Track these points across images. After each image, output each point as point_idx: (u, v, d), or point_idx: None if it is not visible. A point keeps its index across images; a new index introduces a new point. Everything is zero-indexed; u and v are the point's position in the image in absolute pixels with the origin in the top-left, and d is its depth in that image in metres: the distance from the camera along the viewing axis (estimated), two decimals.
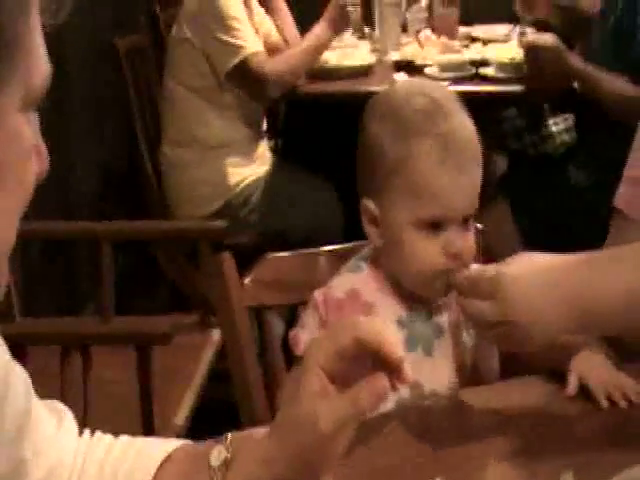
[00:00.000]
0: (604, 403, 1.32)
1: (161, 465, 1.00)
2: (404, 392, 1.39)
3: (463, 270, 1.39)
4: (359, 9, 3.47)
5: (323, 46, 3.12)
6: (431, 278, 1.42)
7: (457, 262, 1.41)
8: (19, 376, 0.94)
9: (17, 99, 0.71)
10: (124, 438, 1.04)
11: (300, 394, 0.89)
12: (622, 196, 1.68)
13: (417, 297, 1.48)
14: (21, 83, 0.71)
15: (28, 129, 0.73)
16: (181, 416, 2.11)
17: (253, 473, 0.92)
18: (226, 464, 0.93)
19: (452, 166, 1.40)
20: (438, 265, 1.40)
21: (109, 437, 1.04)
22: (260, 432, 0.95)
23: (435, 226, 1.41)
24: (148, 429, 1.92)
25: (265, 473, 0.92)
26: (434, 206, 1.41)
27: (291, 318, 1.78)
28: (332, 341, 0.88)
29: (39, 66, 0.73)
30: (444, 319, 1.49)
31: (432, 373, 1.47)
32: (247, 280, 1.65)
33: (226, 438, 0.94)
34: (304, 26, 3.20)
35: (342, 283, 1.49)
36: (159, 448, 1.03)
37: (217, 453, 0.94)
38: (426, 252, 1.43)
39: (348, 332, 0.87)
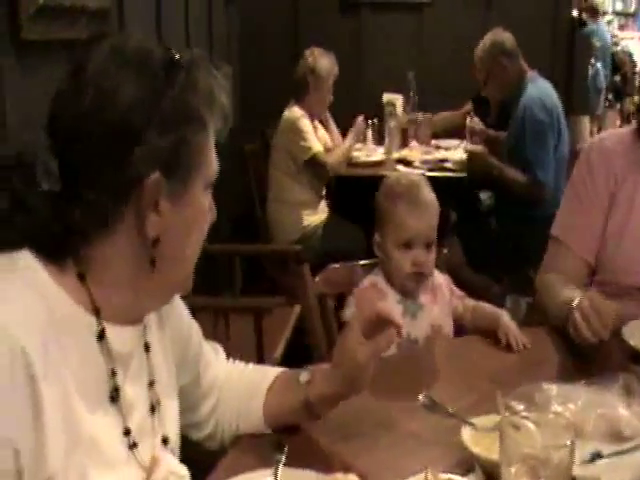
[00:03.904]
0: (516, 348, 1.57)
1: (270, 384, 1.19)
2: (401, 339, 1.54)
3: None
4: (375, 128, 4.36)
5: (351, 149, 4.01)
6: (405, 277, 1.67)
7: (420, 269, 1.62)
8: (194, 321, 1.17)
9: (202, 185, 0.90)
10: (250, 365, 1.25)
11: (347, 342, 1.08)
12: (558, 228, 1.85)
13: (407, 288, 1.69)
14: (203, 175, 0.90)
15: (207, 199, 0.92)
16: (277, 354, 2.66)
17: (322, 388, 1.13)
18: (307, 382, 1.14)
19: (417, 215, 1.66)
20: (408, 270, 1.66)
21: (242, 364, 1.26)
22: (325, 365, 1.14)
23: (407, 246, 1.65)
24: (260, 360, 2.23)
25: (328, 388, 1.12)
26: (406, 234, 1.65)
27: (340, 301, 1.90)
28: (364, 314, 1.09)
29: (213, 165, 0.90)
30: (423, 300, 1.73)
31: (416, 329, 1.70)
32: (316, 279, 1.88)
33: (308, 368, 1.15)
34: (343, 133, 4.11)
35: (368, 280, 1.75)
36: (270, 372, 1.22)
37: (303, 375, 1.15)
38: (402, 262, 1.66)
39: (372, 310, 1.09)
